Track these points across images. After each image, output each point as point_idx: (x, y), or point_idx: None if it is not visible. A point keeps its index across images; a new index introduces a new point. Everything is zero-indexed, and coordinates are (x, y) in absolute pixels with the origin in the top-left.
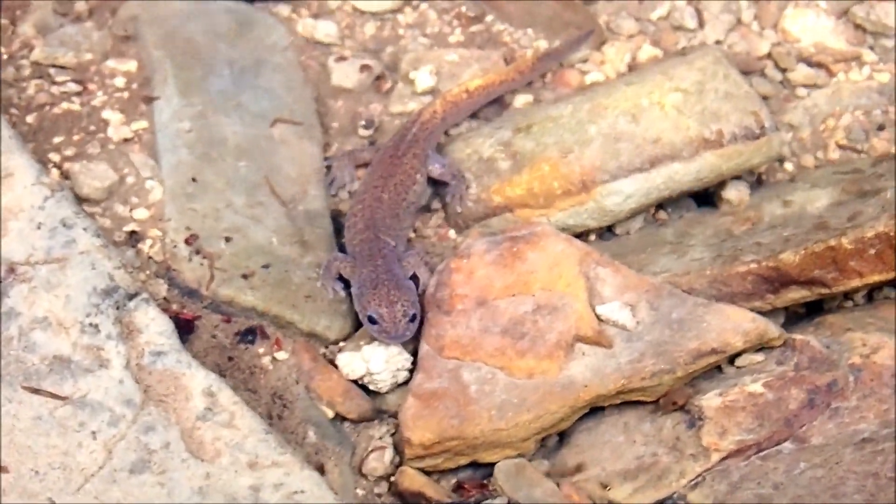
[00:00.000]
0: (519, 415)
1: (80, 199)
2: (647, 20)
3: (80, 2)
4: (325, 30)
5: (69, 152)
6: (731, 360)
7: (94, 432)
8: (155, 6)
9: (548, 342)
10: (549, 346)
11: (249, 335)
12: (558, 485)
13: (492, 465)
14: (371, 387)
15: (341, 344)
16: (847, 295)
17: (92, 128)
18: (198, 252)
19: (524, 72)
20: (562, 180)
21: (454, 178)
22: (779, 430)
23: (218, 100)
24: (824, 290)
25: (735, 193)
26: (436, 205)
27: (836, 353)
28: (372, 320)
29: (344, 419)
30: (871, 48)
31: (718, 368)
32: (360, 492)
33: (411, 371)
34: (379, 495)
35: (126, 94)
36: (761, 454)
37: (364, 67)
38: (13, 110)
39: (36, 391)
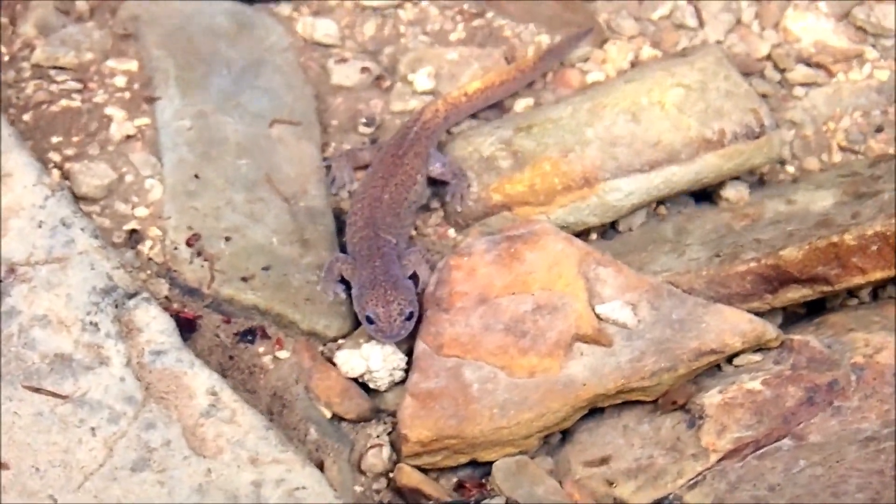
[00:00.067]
0: (521, 413)
1: (79, 199)
2: (646, 19)
3: (80, 1)
4: (324, 29)
5: (69, 151)
6: (730, 359)
7: (94, 429)
8: (155, 6)
9: (548, 341)
10: (550, 345)
11: (249, 335)
12: (561, 483)
13: (491, 463)
14: (371, 385)
15: (340, 341)
16: (852, 293)
17: (92, 127)
18: (199, 253)
19: (525, 71)
20: (563, 177)
21: (455, 177)
22: (777, 426)
23: (218, 99)
24: (827, 288)
25: (734, 193)
26: (435, 204)
27: (838, 353)
28: (369, 320)
29: (341, 419)
30: (873, 47)
31: (718, 367)
32: (358, 488)
33: (406, 371)
34: (377, 491)
35: (127, 94)
36: (759, 452)
37: (364, 70)
38: (13, 109)
39: (37, 390)
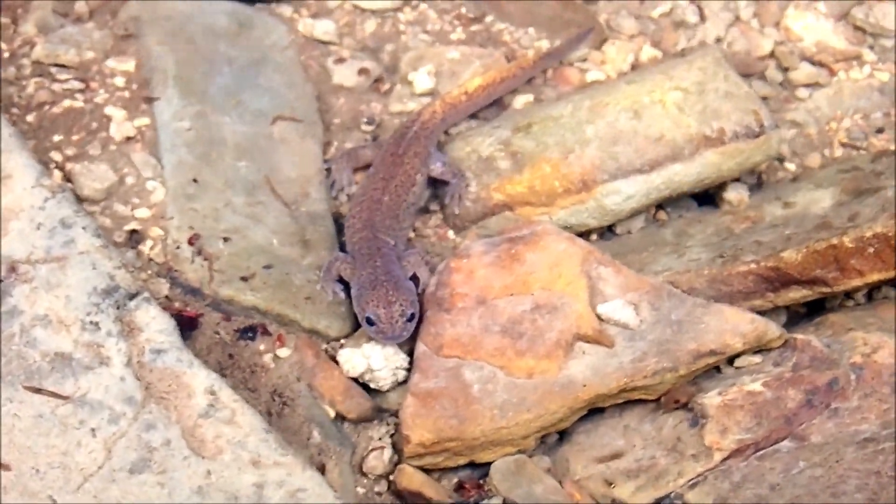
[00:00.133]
0: (520, 414)
1: (80, 199)
2: (647, 18)
3: (80, 2)
4: (324, 28)
5: (70, 151)
6: (731, 361)
7: (93, 430)
8: (156, 6)
9: (547, 342)
10: (549, 346)
11: (249, 332)
12: (560, 483)
13: (489, 464)
14: (372, 385)
15: (342, 341)
16: (848, 294)
17: (93, 126)
18: (199, 252)
19: (524, 70)
20: (562, 179)
21: (455, 177)
22: (777, 428)
23: (218, 99)
24: (825, 290)
25: (735, 195)
26: (434, 206)
27: (837, 353)
28: (370, 321)
29: (344, 419)
30: (871, 48)
31: (718, 369)
32: (360, 490)
33: (408, 370)
34: (379, 494)
35: (127, 94)
36: (760, 453)
37: (362, 71)
38: (14, 109)
39: (37, 391)
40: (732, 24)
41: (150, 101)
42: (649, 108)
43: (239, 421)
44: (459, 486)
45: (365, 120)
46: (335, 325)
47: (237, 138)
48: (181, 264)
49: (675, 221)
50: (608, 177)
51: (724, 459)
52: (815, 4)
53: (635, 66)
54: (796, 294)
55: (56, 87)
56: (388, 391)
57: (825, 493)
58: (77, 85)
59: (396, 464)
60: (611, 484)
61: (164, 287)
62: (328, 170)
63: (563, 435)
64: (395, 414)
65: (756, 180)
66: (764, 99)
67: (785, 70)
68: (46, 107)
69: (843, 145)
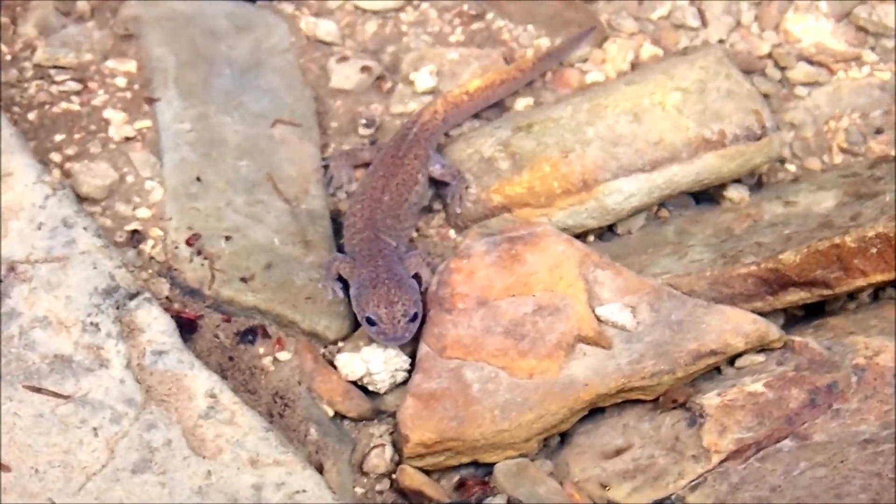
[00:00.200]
0: (521, 415)
1: (80, 199)
2: (647, 19)
3: (81, 1)
4: (326, 28)
5: (70, 151)
6: (731, 361)
7: (95, 429)
8: (156, 6)
9: (548, 343)
10: (550, 347)
11: (249, 335)
12: (561, 484)
13: (492, 464)
14: (370, 387)
15: (340, 344)
16: (851, 296)
17: (93, 127)
18: (199, 252)
19: (525, 71)
20: (562, 180)
21: (454, 178)
22: (779, 427)
23: (219, 100)
24: (826, 292)
25: (735, 193)
26: (437, 205)
27: (838, 355)
28: (370, 321)
29: (344, 417)
30: (872, 49)
31: (717, 370)
32: (359, 490)
33: (409, 372)
34: (380, 493)
35: (128, 94)
36: (760, 454)
37: (364, 69)
38: (15, 109)
39: (38, 390)
40: (734, 30)
41: (151, 101)
42: (649, 110)
43: (239, 422)
44: (461, 484)
45: (364, 122)
46: (335, 325)
47: (238, 139)
48: (180, 264)
49: (677, 219)
50: (610, 176)
51: (723, 461)
52: (816, 4)
53: (636, 65)
54: (794, 297)
55: (56, 88)
56: (385, 393)
57: (828, 493)
58: (76, 87)
59: (397, 463)
60: (605, 486)
61: (164, 287)
62: (325, 167)
63: (565, 437)
64: (393, 415)
65: (756, 180)
66: (765, 97)
67: (783, 69)
68: (47, 107)
69: (844, 151)
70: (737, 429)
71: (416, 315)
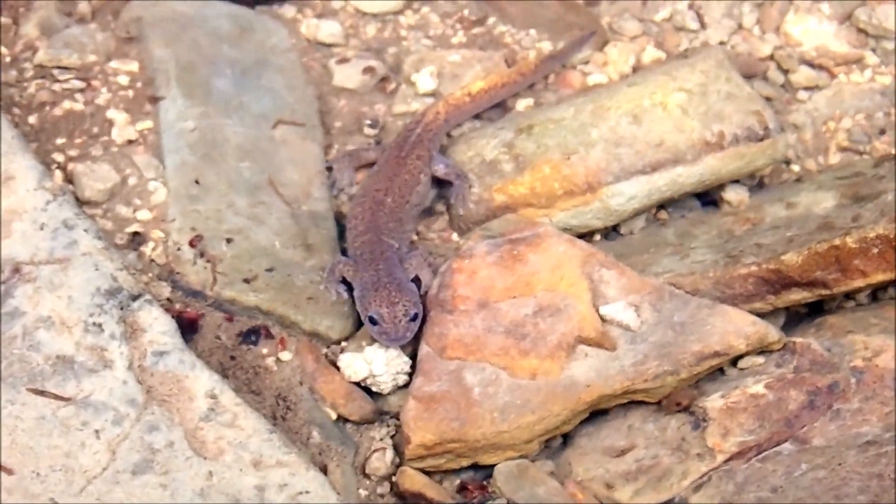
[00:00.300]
0: (522, 416)
1: (82, 201)
2: (649, 21)
3: (83, 2)
4: (328, 30)
5: (72, 153)
6: (734, 362)
7: (97, 431)
8: (158, 8)
9: (549, 343)
10: (551, 347)
11: (252, 335)
12: (563, 484)
13: (492, 466)
14: (373, 388)
15: (343, 344)
16: (849, 295)
17: (95, 129)
18: (201, 255)
19: (527, 73)
20: (563, 181)
21: (458, 178)
22: (779, 430)
23: (220, 101)
24: (825, 292)
25: (734, 196)
26: (440, 207)
27: (838, 356)
28: (373, 321)
29: (346, 420)
30: (873, 51)
31: (721, 370)
32: (362, 492)
33: (410, 374)
34: (381, 495)
35: (131, 95)
36: (761, 455)
37: (367, 69)
38: (16, 110)
39: (41, 393)
40: (735, 32)
41: (154, 101)
42: (650, 111)
43: (241, 423)
44: (462, 488)
45: (368, 122)
46: (337, 325)
47: (239, 140)
48: (182, 266)
49: (677, 221)
50: (612, 178)
51: (727, 460)
52: (818, 6)
53: (637, 68)
54: (797, 296)
55: (58, 88)
56: (388, 394)
57: (828, 494)
58: (79, 85)
59: (398, 466)
60: (610, 487)
61: (165, 289)
62: (329, 169)
63: (567, 439)
64: (396, 416)
65: (758, 182)
66: (767, 100)
67: (785, 72)
68: (48, 108)
69: (844, 149)
70: (739, 431)
71: (416, 315)
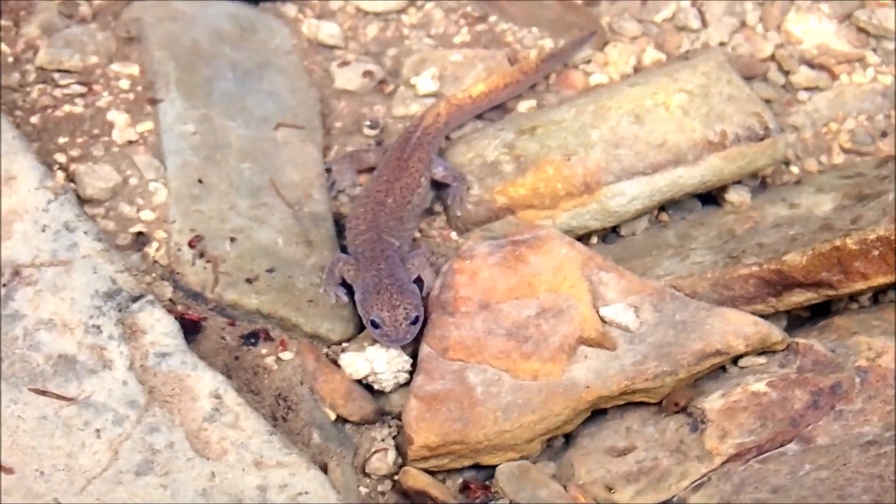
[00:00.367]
0: (524, 416)
1: (84, 201)
2: (650, 22)
3: (84, 4)
4: (328, 30)
5: (74, 153)
6: (735, 361)
7: (98, 431)
8: (159, 8)
9: (551, 345)
10: (553, 349)
11: (252, 338)
12: (565, 487)
13: (494, 467)
14: (375, 386)
15: (344, 344)
16: (853, 297)
17: (96, 130)
18: (202, 255)
19: (528, 73)
20: (565, 182)
21: (456, 181)
22: (783, 429)
23: (222, 102)
24: (830, 292)
25: (736, 196)
26: (438, 208)
27: (842, 357)
28: (374, 324)
29: (346, 421)
30: (874, 50)
31: (723, 369)
32: (363, 490)
33: (411, 372)
34: (382, 493)
35: (132, 96)
36: (763, 456)
37: (366, 73)
38: (19, 112)
39: (43, 393)
40: (736, 31)
41: (154, 103)
42: (652, 111)
43: (242, 424)
44: (465, 487)
45: (368, 123)
46: (338, 327)
47: (241, 141)
48: (182, 267)
49: (678, 223)
50: (613, 178)
51: (725, 462)
52: (818, 5)
53: (638, 69)
54: (800, 297)
55: (59, 91)
56: (390, 392)
57: (831, 494)
58: (79, 89)
59: (400, 466)
60: (611, 489)
61: (168, 290)
62: (328, 170)
63: (569, 439)
64: (398, 416)
65: (759, 183)
66: (767, 102)
67: (786, 73)
68: (50, 109)
69: (847, 151)
70: (738, 432)
71: (416, 318)
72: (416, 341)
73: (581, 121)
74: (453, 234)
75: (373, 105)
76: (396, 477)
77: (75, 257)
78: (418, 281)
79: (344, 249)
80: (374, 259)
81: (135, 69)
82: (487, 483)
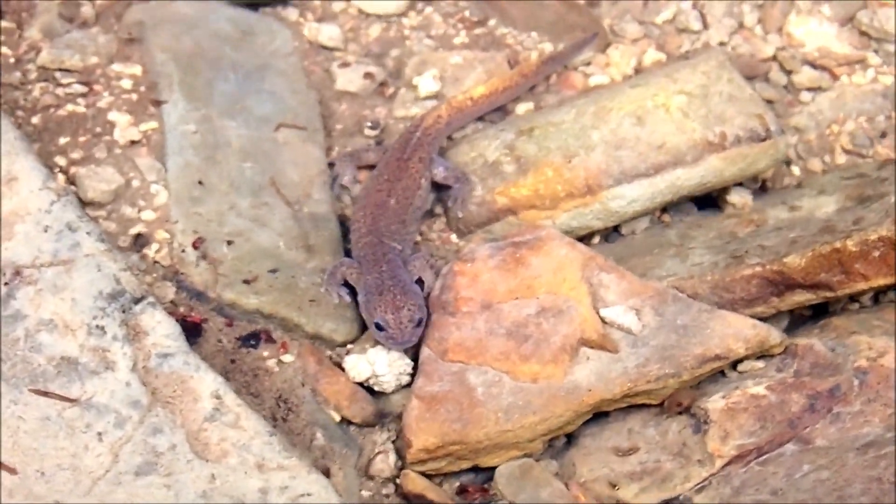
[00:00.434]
0: (525, 416)
1: (85, 203)
2: (651, 23)
3: (86, 6)
4: (329, 33)
5: (75, 155)
6: (734, 365)
7: (100, 433)
8: (160, 10)
9: (552, 346)
10: (554, 351)
11: (252, 339)
12: (567, 485)
13: (493, 469)
14: (376, 388)
15: (348, 346)
16: (853, 297)
17: (98, 130)
18: (203, 256)
19: (528, 75)
20: (565, 184)
21: (458, 181)
22: (782, 431)
23: (223, 103)
24: (829, 294)
25: (738, 198)
26: (439, 209)
27: (842, 357)
28: (379, 327)
29: (350, 423)
30: (875, 52)
31: (722, 373)
32: (366, 493)
33: (412, 374)
34: (386, 496)
35: (134, 97)
36: (763, 458)
37: (367, 75)
38: (21, 112)
39: (44, 394)
40: (736, 32)
41: (157, 104)
42: (652, 112)
43: (243, 425)
44: (462, 490)
45: (369, 124)
46: (341, 328)
47: (242, 142)
48: (186, 268)
49: (679, 224)
50: (613, 181)
51: (726, 465)
52: (819, 7)
53: (639, 70)
54: (801, 298)
55: (61, 91)
56: (391, 393)
57: (830, 496)
58: (81, 90)
59: (401, 468)
60: (615, 486)
61: (169, 291)
62: (331, 164)
63: (571, 438)
64: (399, 417)
65: (760, 185)
66: (769, 102)
67: (788, 73)
68: (51, 110)
69: (848, 152)
70: (739, 434)
71: (420, 320)
72: (418, 344)
73: (582, 122)
74: (453, 237)
75: (374, 107)
76: (398, 480)
77: (77, 257)
78: (419, 283)
79: (348, 253)
80: (377, 262)
81: (137, 69)
82: (486, 486)
